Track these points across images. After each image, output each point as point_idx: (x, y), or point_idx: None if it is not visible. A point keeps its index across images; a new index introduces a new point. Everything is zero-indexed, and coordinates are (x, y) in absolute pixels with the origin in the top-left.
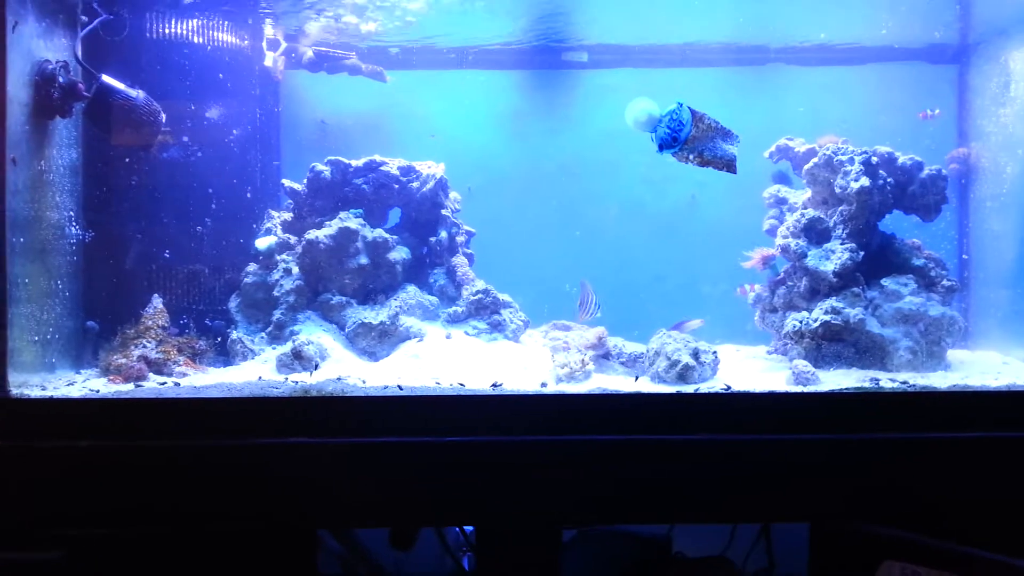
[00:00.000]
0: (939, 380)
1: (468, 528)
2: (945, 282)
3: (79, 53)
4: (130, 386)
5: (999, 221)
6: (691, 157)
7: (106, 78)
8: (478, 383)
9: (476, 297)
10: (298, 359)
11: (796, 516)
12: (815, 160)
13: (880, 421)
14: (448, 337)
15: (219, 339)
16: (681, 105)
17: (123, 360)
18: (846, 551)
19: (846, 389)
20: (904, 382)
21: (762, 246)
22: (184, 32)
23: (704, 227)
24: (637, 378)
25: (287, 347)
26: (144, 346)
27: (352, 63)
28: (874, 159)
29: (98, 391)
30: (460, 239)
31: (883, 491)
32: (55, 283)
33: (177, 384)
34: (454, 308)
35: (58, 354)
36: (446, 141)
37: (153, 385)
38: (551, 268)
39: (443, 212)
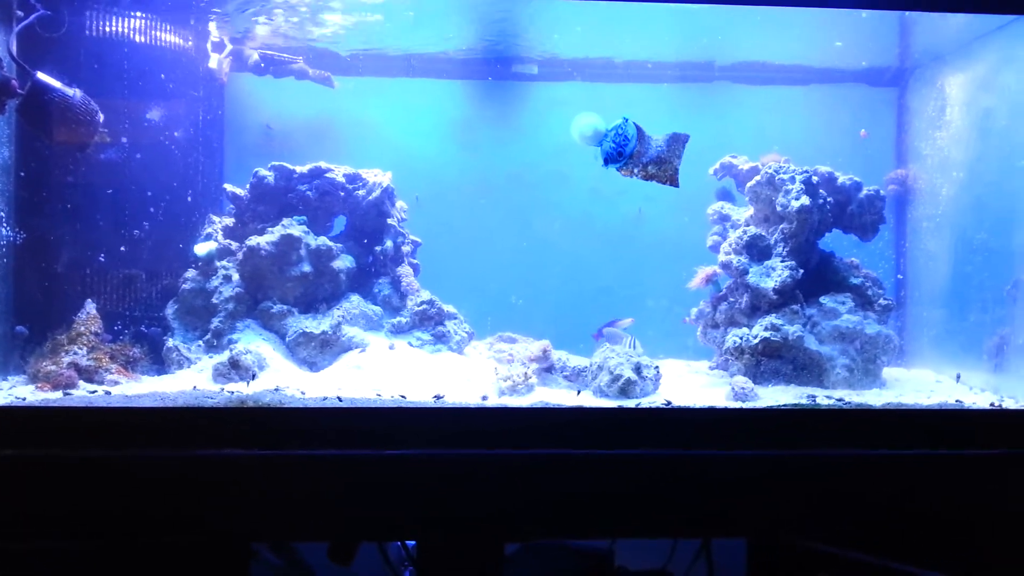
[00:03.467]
0: (874, 398)
1: (410, 542)
2: (882, 301)
3: (13, 49)
4: (59, 394)
5: (934, 242)
6: (636, 171)
7: (41, 75)
8: (420, 395)
9: (421, 308)
10: (235, 368)
11: (734, 531)
12: (757, 178)
13: (816, 438)
14: (391, 348)
15: (154, 346)
16: (627, 120)
17: (52, 367)
18: (782, 565)
19: (783, 406)
20: (840, 399)
21: (705, 262)
22: (124, 30)
23: (650, 241)
24: (579, 392)
25: (224, 356)
26: (75, 353)
27: (299, 67)
28: (815, 179)
29: (24, 399)
30: (406, 249)
31: (818, 506)
32: None
33: (108, 393)
34: (398, 319)
35: None
36: (394, 149)
37: (83, 393)
38: (498, 279)
39: (389, 221)
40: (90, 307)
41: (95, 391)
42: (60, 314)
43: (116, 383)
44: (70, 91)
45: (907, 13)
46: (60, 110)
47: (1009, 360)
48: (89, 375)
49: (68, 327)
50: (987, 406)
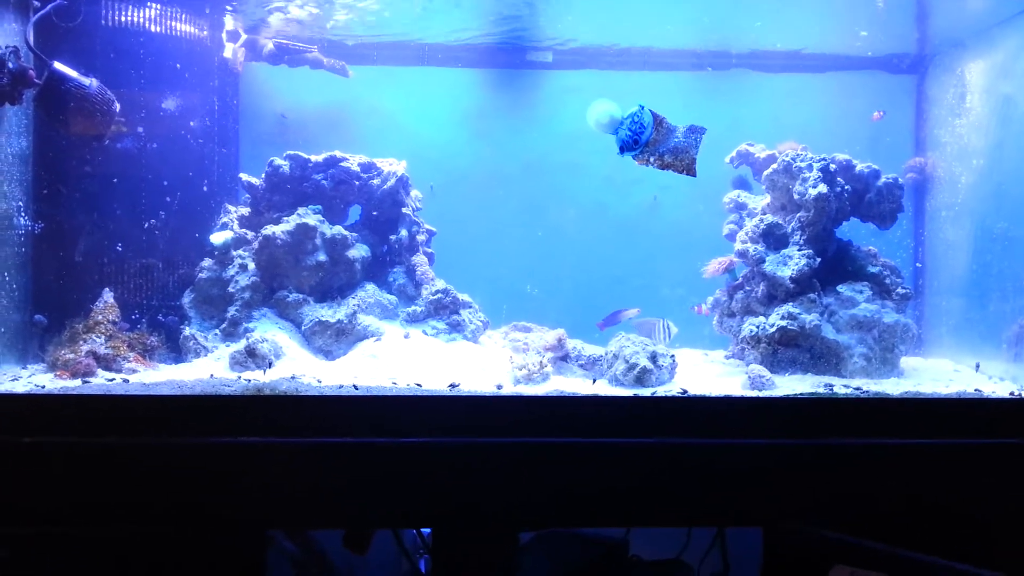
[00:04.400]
0: (892, 387)
1: (425, 530)
2: (900, 290)
3: (30, 39)
4: (77, 382)
5: (953, 230)
6: (651, 160)
7: (58, 65)
8: (435, 384)
9: (435, 297)
10: (252, 357)
11: (749, 520)
12: (774, 166)
13: (833, 427)
14: (406, 337)
15: (171, 335)
16: (643, 108)
17: (71, 355)
18: (798, 555)
19: (800, 394)
20: (857, 388)
21: (721, 251)
22: (140, 20)
23: (665, 230)
24: (595, 381)
25: (241, 344)
26: (93, 341)
27: (314, 57)
28: (832, 166)
29: (43, 387)
30: (421, 238)
31: (835, 496)
32: (1, 275)
33: (126, 381)
34: (413, 307)
35: (3, 348)
36: (408, 138)
37: (101, 381)
38: (512, 268)
39: (404, 210)
40: (107, 296)
41: (113, 379)
42: (78, 303)
43: (134, 371)
44: (86, 81)
45: None
46: (77, 100)
47: None
48: (107, 363)
49: (86, 316)
50: (1006, 395)
